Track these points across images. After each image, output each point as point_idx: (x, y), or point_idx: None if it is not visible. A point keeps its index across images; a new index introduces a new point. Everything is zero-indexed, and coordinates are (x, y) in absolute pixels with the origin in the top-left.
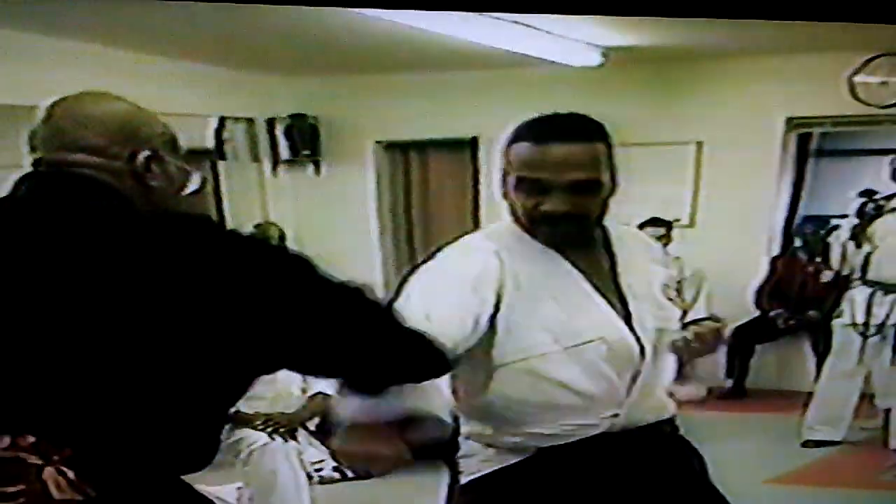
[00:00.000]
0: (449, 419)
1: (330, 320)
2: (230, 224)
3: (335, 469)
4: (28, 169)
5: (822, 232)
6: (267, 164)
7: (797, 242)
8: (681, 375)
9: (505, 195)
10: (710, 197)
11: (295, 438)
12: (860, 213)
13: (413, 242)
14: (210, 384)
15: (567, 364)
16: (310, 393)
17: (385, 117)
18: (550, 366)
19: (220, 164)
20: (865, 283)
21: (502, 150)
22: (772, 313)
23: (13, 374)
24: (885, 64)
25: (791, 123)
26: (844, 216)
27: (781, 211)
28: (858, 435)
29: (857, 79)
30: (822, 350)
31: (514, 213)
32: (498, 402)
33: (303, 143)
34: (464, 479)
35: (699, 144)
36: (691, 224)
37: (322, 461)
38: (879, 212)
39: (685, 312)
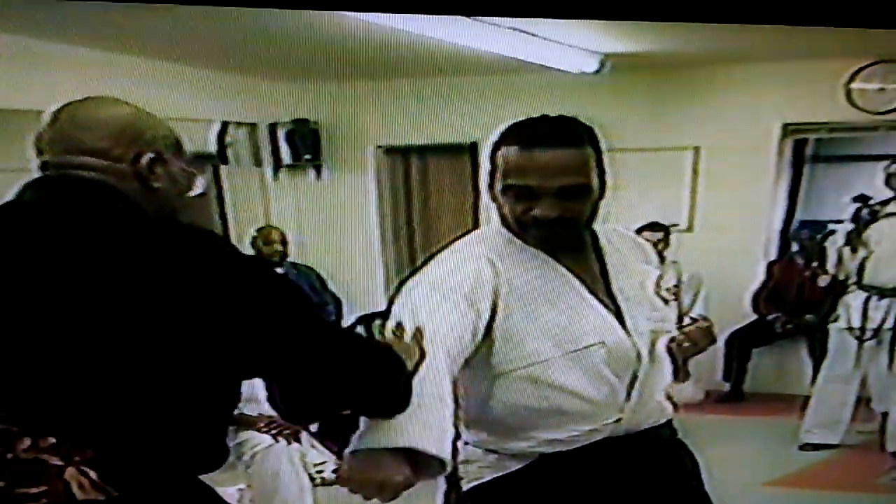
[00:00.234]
0: (449, 459)
1: (301, 345)
2: (233, 227)
3: (336, 471)
4: (35, 173)
5: (819, 237)
6: (269, 169)
7: (794, 247)
8: (678, 376)
9: (493, 198)
10: (707, 202)
11: (298, 440)
12: (855, 218)
13: (414, 246)
14: (208, 387)
15: (568, 369)
16: None
17: (386, 122)
18: (552, 371)
19: (223, 169)
20: (861, 287)
21: (489, 153)
22: (769, 317)
23: (28, 377)
24: (880, 70)
25: (787, 129)
26: (840, 221)
27: (778, 216)
28: (855, 438)
29: (853, 85)
30: (818, 354)
31: (502, 216)
32: (500, 409)
33: (304, 148)
34: (465, 486)
35: (696, 150)
36: (689, 228)
37: (324, 463)
38: (874, 217)
39: (682, 316)
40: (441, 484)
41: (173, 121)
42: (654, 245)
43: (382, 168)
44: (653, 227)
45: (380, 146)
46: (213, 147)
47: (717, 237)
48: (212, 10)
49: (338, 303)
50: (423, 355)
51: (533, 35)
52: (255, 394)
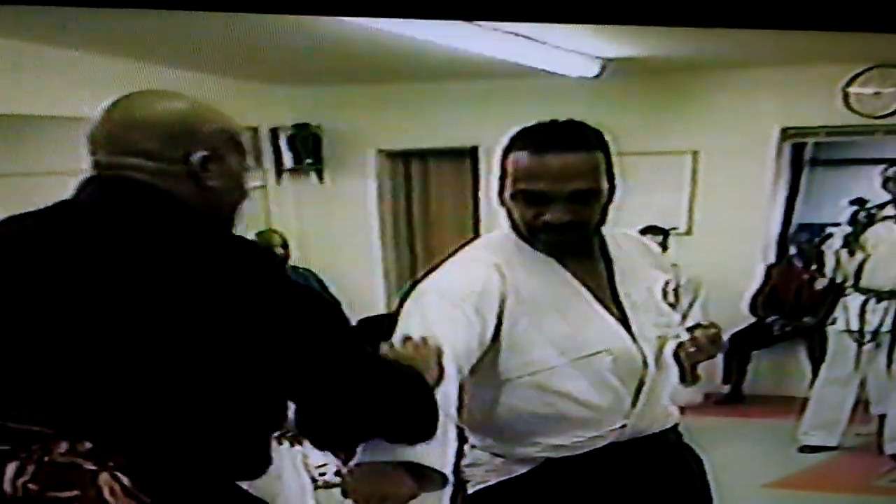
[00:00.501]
0: (451, 475)
1: (337, 376)
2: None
3: (337, 473)
4: (90, 172)
5: (817, 240)
6: (271, 173)
7: (792, 250)
8: (684, 380)
9: (502, 203)
10: (706, 205)
11: (300, 443)
12: (853, 221)
13: (414, 249)
14: (247, 400)
15: (574, 376)
16: None
17: (386, 127)
18: (558, 379)
19: None
20: (859, 290)
21: (500, 159)
22: (768, 320)
23: (69, 379)
24: (877, 75)
25: (786, 133)
26: (838, 224)
27: (776, 219)
28: (853, 440)
29: (851, 90)
30: (817, 356)
31: (512, 221)
32: (506, 414)
33: (306, 152)
34: (471, 489)
35: (696, 154)
36: (688, 232)
37: (325, 465)
38: (872, 220)
39: (682, 318)
40: (447, 487)
41: None
42: None
43: (383, 172)
44: (652, 230)
45: (380, 150)
46: None
47: (715, 240)
48: (212, 16)
49: (338, 306)
50: (441, 374)
51: (534, 40)
52: None
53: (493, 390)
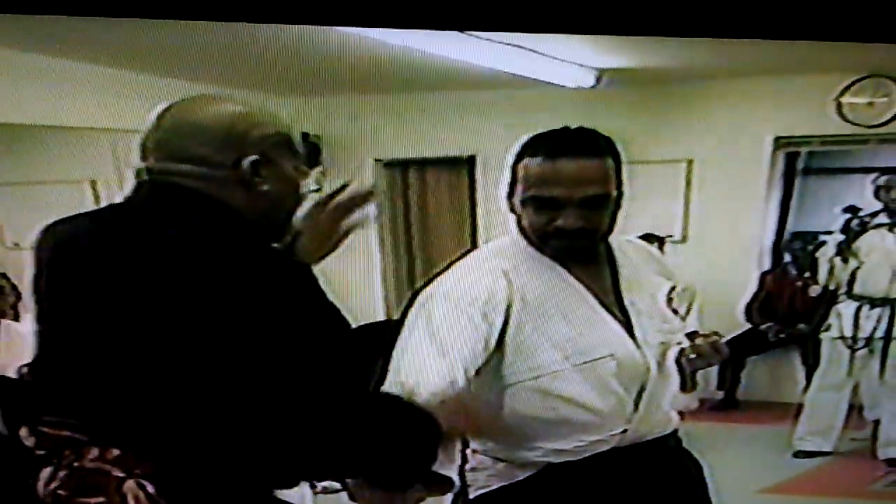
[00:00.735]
0: (456, 478)
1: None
2: None
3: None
4: (141, 178)
5: (811, 248)
6: None
7: (786, 258)
8: (685, 388)
9: (511, 209)
10: (700, 214)
11: None
12: (846, 229)
13: (413, 257)
14: (276, 408)
15: (577, 381)
16: None
17: (384, 136)
18: (561, 383)
19: None
20: (852, 297)
21: (511, 165)
22: (762, 327)
23: (104, 385)
24: (870, 85)
25: (779, 142)
26: (831, 232)
27: (770, 227)
28: (848, 445)
29: (844, 99)
30: (811, 362)
31: (520, 226)
32: (508, 418)
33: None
34: (472, 494)
35: (690, 163)
36: (683, 240)
37: None
38: (864, 228)
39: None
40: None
41: None
42: None
43: (381, 180)
44: (648, 238)
45: (378, 159)
46: None
47: (710, 248)
48: (212, 26)
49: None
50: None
51: (530, 50)
52: None
53: (497, 394)
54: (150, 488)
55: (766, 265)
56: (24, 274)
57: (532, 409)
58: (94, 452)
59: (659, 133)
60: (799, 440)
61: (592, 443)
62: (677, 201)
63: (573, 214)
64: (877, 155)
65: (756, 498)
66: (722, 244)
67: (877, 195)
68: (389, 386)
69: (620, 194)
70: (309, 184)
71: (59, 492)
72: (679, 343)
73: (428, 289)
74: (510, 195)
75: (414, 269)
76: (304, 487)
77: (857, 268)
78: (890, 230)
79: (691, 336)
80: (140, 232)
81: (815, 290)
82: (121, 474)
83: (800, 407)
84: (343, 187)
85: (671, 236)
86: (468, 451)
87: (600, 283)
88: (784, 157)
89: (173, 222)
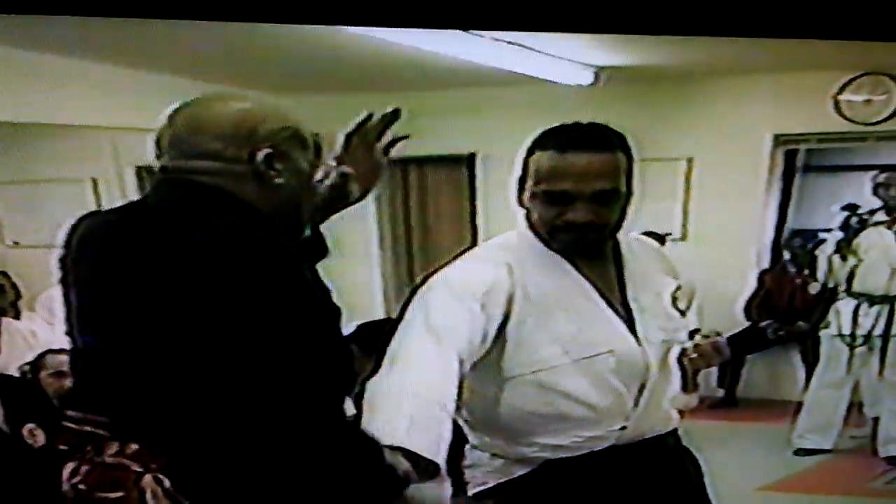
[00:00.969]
0: (443, 464)
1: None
2: None
3: None
4: (158, 176)
5: (810, 245)
6: None
7: (785, 255)
8: (686, 388)
9: (521, 203)
10: (700, 211)
11: None
12: (845, 226)
13: (412, 254)
14: (295, 406)
15: (576, 376)
16: None
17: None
18: (559, 378)
19: None
20: (851, 294)
21: (522, 159)
22: (762, 324)
23: (126, 380)
24: (868, 82)
25: (778, 140)
26: (830, 230)
27: (770, 225)
28: (848, 443)
29: (842, 97)
30: (811, 360)
31: (529, 220)
32: (507, 413)
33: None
34: (470, 491)
35: (690, 161)
36: (683, 238)
37: None
38: (863, 226)
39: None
40: (447, 489)
41: None
42: None
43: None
44: (648, 236)
45: None
46: None
47: (710, 246)
48: (213, 25)
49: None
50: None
51: (529, 49)
52: None
53: (495, 388)
54: (167, 483)
55: (766, 263)
56: (23, 272)
57: (530, 403)
58: (114, 447)
59: (658, 131)
60: (798, 438)
61: (589, 439)
62: (677, 199)
63: (583, 208)
64: (876, 152)
65: (755, 496)
66: (721, 242)
67: (876, 192)
68: (379, 380)
69: (629, 190)
70: (326, 176)
71: (80, 486)
72: (682, 342)
73: (431, 279)
74: (520, 190)
75: (413, 267)
76: None
77: (857, 265)
78: (889, 227)
79: (692, 334)
80: (161, 230)
81: (814, 288)
82: (139, 469)
83: (799, 404)
84: (369, 117)
85: (671, 234)
86: (466, 448)
87: (605, 280)
88: (783, 154)
89: (193, 221)
